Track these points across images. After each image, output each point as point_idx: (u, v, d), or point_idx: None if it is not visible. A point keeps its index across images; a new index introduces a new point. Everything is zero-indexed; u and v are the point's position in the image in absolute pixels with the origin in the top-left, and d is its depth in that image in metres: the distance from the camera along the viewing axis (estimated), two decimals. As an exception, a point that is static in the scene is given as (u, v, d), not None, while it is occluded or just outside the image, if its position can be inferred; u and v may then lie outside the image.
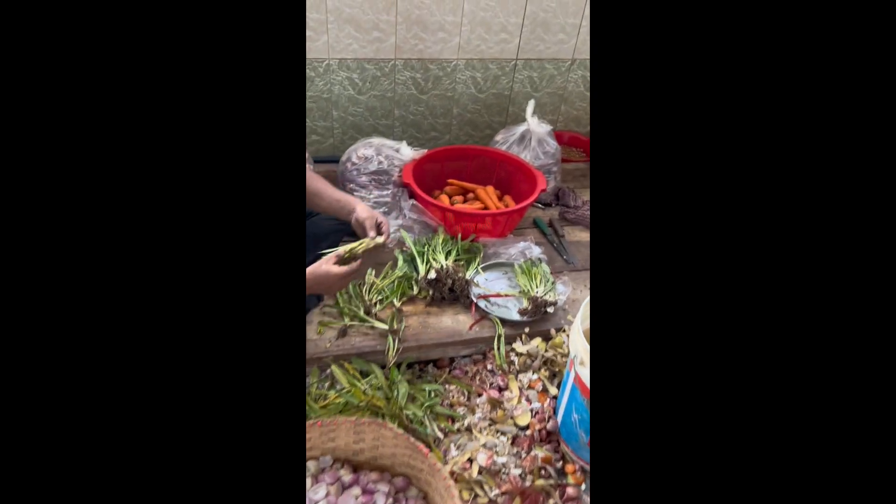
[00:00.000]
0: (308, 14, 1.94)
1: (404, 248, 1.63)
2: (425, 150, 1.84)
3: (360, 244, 1.31)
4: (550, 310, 1.43)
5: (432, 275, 1.46)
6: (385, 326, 1.36)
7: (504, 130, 2.01)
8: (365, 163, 1.78)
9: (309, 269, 1.21)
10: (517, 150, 1.94)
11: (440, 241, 1.58)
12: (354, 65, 2.10)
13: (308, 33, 1.98)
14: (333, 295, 1.44)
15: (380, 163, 1.77)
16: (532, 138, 1.93)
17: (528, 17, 2.13)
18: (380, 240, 1.33)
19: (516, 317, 1.44)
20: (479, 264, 1.59)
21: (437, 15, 2.05)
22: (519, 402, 1.29)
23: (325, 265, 1.22)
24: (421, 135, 2.34)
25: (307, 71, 2.07)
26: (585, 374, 1.06)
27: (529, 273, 1.54)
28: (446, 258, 1.53)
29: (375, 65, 2.11)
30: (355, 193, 1.79)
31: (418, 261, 1.52)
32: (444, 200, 1.80)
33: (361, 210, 1.41)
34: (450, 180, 1.87)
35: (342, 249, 1.29)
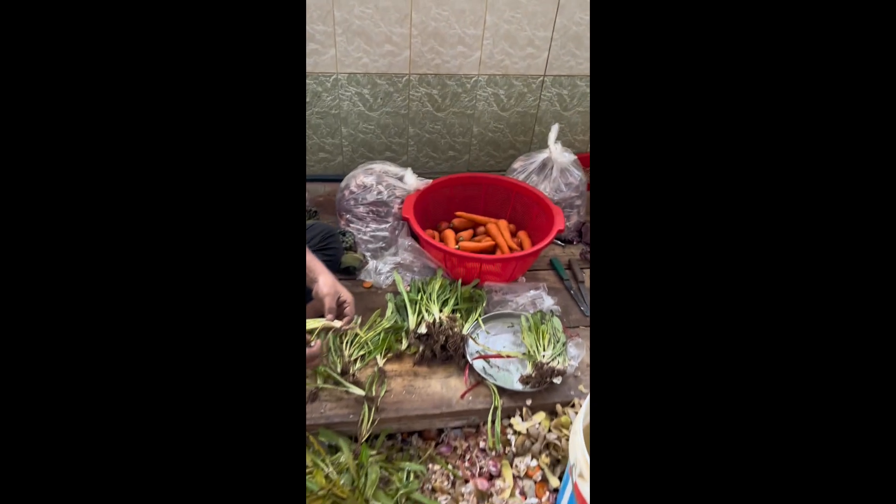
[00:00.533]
0: (314, 26, 1.79)
1: (399, 293, 1.45)
2: (430, 181, 1.65)
3: (314, 326, 1.06)
4: (558, 380, 1.22)
5: (423, 329, 1.27)
6: (361, 392, 1.18)
7: (523, 157, 1.80)
8: (363, 192, 1.61)
9: None
10: (536, 180, 1.72)
11: (436, 286, 1.39)
12: (365, 79, 1.93)
13: (314, 46, 1.83)
14: None
15: (379, 193, 1.60)
16: (554, 168, 1.72)
17: (558, 30, 1.91)
18: (336, 324, 1.08)
19: (517, 385, 1.23)
20: (480, 315, 1.39)
21: (457, 28, 1.86)
22: (512, 494, 1.09)
23: None
24: (438, 154, 2.15)
25: (314, 86, 1.92)
26: (585, 489, 0.85)
27: (537, 330, 1.33)
28: (441, 308, 1.34)
29: (388, 80, 1.94)
30: (351, 226, 1.63)
31: (409, 310, 1.33)
32: (451, 235, 1.61)
33: (323, 283, 1.11)
34: (458, 213, 1.68)
35: None
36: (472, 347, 1.32)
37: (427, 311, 1.32)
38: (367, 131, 2.06)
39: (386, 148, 2.10)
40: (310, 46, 1.82)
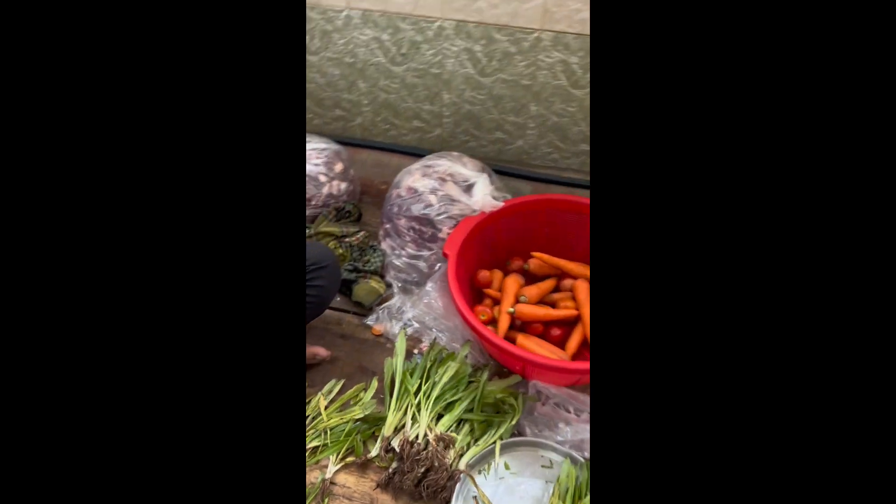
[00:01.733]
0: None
1: (419, 354, 1.02)
2: (503, 203, 1.13)
3: None
4: None
5: (396, 443, 0.85)
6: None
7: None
8: (412, 198, 1.16)
9: None
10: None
11: (448, 374, 0.93)
12: (384, 21, 1.44)
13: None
14: None
15: (428, 205, 1.14)
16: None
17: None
18: None
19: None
20: (504, 435, 0.90)
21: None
22: None
23: None
24: (482, 134, 1.57)
25: (322, 23, 1.50)
26: None
27: (577, 493, 0.81)
28: (439, 417, 0.89)
29: (413, 24, 1.42)
30: (387, 241, 1.21)
31: (390, 405, 0.91)
32: (513, 285, 1.09)
33: None
34: (536, 253, 1.14)
35: None
36: (463, 493, 0.85)
37: (415, 416, 0.88)
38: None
39: (415, 115, 1.59)
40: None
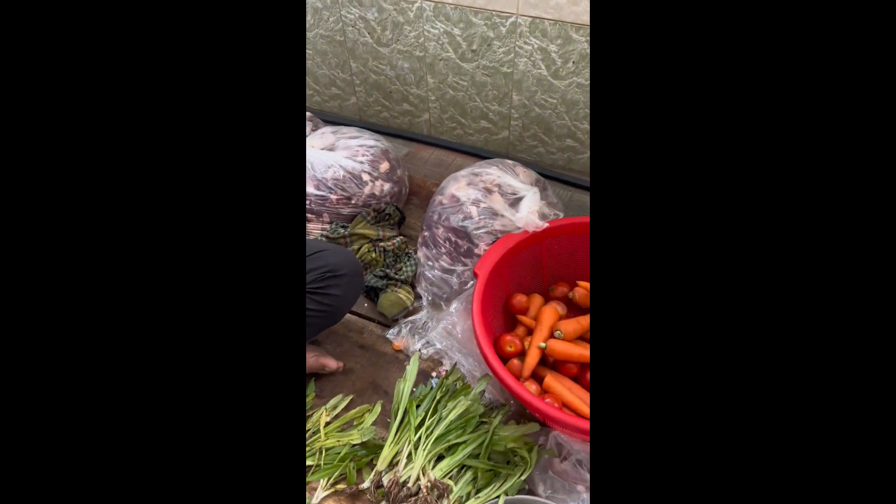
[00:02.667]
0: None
1: (439, 378, 0.93)
2: (556, 217, 1.00)
3: None
4: None
5: (386, 480, 0.77)
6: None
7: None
8: (454, 207, 1.07)
9: None
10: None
11: (454, 412, 0.83)
12: (456, 15, 1.34)
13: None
14: None
15: (466, 216, 1.04)
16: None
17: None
18: None
19: None
20: (506, 490, 0.79)
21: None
22: None
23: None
24: (552, 141, 1.41)
25: (395, 14, 1.43)
26: None
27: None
28: (437, 460, 0.79)
29: (486, 18, 1.30)
30: (423, 250, 1.12)
31: (390, 433, 0.83)
32: (551, 315, 0.96)
33: None
34: (581, 283, 1.00)
35: None
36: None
37: (411, 453, 0.80)
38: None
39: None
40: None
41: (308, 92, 1.80)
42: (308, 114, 1.54)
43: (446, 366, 0.99)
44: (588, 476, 0.81)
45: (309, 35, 1.65)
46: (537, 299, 1.03)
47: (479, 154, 1.61)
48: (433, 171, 1.55)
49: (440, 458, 0.81)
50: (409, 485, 0.76)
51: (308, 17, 1.60)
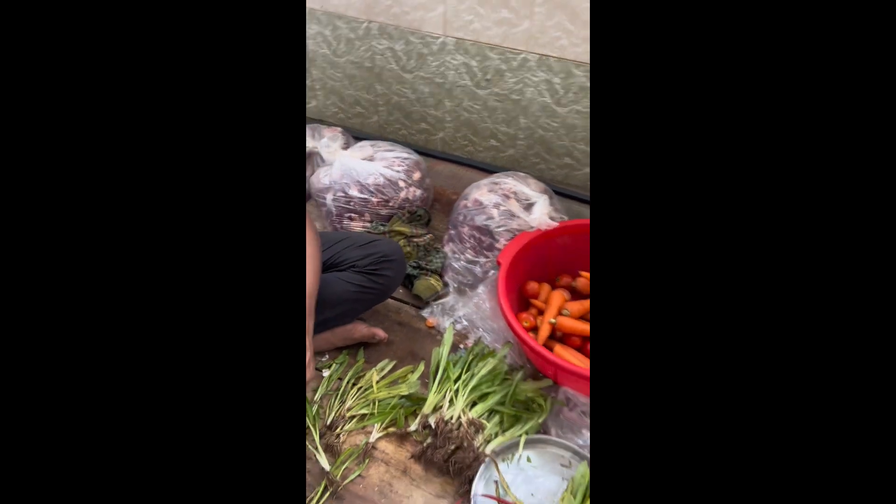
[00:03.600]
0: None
1: (462, 348, 1.14)
2: (557, 223, 1.23)
3: None
4: None
5: (432, 420, 0.97)
6: (327, 466, 0.96)
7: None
8: (478, 210, 1.29)
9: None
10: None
11: (485, 370, 1.04)
12: (474, 49, 1.58)
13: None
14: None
15: (489, 217, 1.26)
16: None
17: None
18: None
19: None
20: (530, 431, 1.00)
21: None
22: None
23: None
24: (552, 158, 1.67)
25: (420, 46, 1.66)
26: None
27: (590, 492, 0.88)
28: (472, 405, 1.00)
29: (500, 54, 1.54)
30: (450, 245, 1.34)
31: (432, 386, 1.03)
32: (558, 299, 1.18)
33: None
34: (583, 273, 1.23)
35: None
36: (485, 475, 0.95)
37: (452, 399, 1.00)
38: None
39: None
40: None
41: (334, 110, 2.02)
42: (339, 129, 1.75)
43: (471, 340, 1.19)
44: (584, 426, 1.02)
45: (339, 61, 1.87)
46: (546, 286, 1.25)
47: (488, 169, 1.83)
48: (448, 182, 1.77)
49: (473, 404, 1.01)
50: (452, 422, 0.96)
51: (341, 46, 1.82)
